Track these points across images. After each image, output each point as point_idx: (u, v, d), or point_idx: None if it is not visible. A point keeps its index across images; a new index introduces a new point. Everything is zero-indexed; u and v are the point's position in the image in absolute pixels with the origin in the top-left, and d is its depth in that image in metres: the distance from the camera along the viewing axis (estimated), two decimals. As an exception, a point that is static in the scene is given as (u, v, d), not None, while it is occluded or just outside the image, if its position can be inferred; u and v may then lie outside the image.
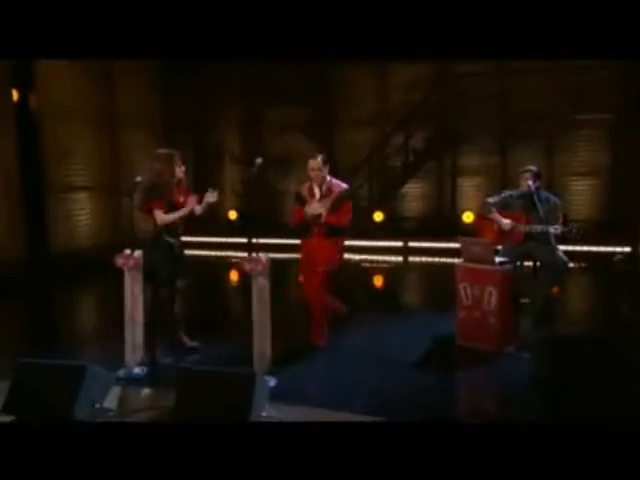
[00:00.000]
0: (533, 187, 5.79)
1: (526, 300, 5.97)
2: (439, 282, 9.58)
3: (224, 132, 12.56)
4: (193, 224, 5.46)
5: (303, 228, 5.53)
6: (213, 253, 11.81)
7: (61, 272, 9.39)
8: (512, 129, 10.89)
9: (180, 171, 5.20)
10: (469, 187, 11.18)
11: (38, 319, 7.51)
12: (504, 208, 6.03)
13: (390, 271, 10.43)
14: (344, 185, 5.57)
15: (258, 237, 11.76)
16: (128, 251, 4.95)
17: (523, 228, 5.84)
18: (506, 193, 6.12)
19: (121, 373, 4.87)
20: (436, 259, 10.66)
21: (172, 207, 5.14)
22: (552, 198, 5.90)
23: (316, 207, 5.44)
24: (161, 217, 5.11)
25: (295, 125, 11.92)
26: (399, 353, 5.78)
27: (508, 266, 5.53)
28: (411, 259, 10.62)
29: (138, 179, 5.09)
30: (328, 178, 5.50)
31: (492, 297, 5.42)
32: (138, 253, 4.95)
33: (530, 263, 6.16)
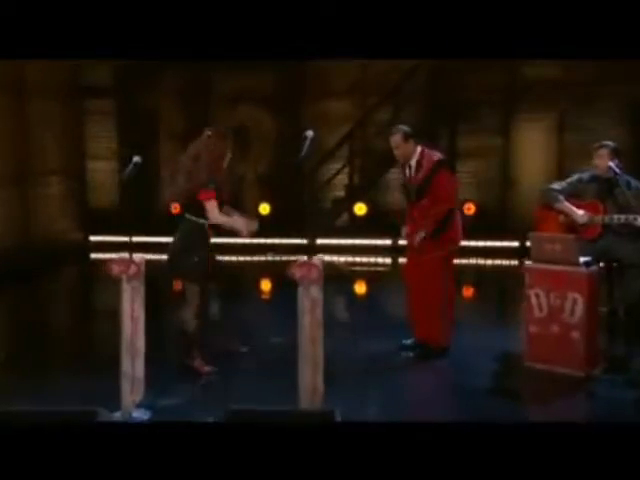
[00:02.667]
0: (615, 167, 5.60)
1: (603, 309, 5.82)
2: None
3: (158, 100, 11.88)
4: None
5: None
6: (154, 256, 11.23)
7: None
8: (517, 103, 10.83)
9: (229, 157, 5.25)
10: (467, 173, 11.04)
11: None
12: (571, 196, 5.83)
13: (377, 276, 10.17)
14: (435, 156, 5.70)
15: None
16: (125, 254, 4.44)
17: (601, 220, 5.65)
18: (574, 177, 5.92)
19: (117, 417, 4.38)
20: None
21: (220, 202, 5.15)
22: (633, 182, 5.71)
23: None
24: (216, 215, 5.06)
25: (252, 93, 11.40)
26: (454, 379, 5.53)
27: (594, 267, 5.34)
28: (402, 260, 10.37)
29: (136, 159, 4.65)
30: (419, 150, 5.67)
31: (576, 306, 5.21)
32: (139, 257, 4.45)
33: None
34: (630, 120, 10.67)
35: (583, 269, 5.24)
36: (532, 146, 10.81)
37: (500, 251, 10.37)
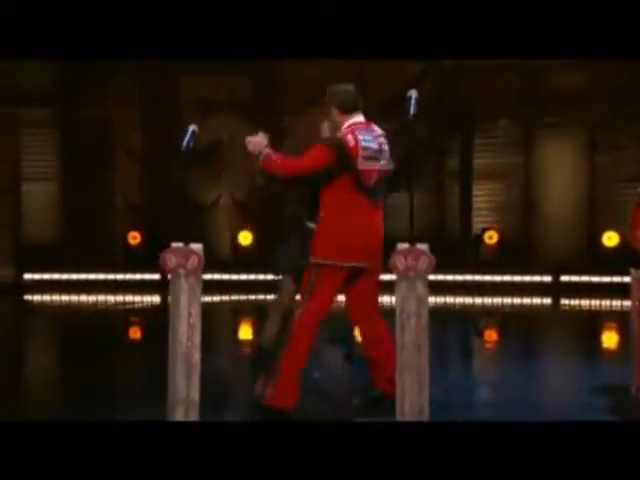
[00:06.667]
0: None
1: None
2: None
3: (109, 109, 11.71)
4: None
5: None
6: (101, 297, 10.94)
7: None
8: (541, 117, 11.00)
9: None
10: (484, 196, 11.14)
11: None
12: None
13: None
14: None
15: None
16: (179, 244, 4.22)
17: None
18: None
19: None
20: (448, 298, 10.41)
21: None
22: None
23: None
24: None
25: (225, 100, 11.38)
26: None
27: None
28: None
29: (193, 127, 4.56)
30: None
31: None
32: (198, 247, 4.22)
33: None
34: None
35: None
36: (559, 164, 10.96)
37: (528, 287, 10.40)
